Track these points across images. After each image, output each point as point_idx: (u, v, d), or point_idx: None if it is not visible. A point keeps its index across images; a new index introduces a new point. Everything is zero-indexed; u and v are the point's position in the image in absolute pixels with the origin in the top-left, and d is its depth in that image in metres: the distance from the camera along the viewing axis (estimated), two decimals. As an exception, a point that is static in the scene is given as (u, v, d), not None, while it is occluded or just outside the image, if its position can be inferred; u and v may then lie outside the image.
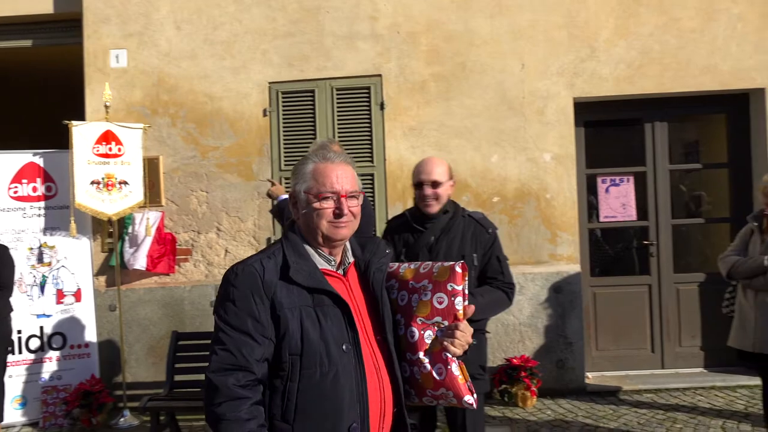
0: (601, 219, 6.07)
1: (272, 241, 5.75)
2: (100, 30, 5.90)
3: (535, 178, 5.72)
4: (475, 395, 1.86)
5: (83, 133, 5.37)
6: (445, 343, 1.82)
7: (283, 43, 5.82)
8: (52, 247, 5.58)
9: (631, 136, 6.18)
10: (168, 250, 5.77)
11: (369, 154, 5.74)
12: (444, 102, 5.74)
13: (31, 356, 5.47)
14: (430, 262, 1.94)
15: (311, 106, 5.82)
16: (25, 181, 5.60)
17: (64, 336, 5.56)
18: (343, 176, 1.86)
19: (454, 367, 1.82)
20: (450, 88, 5.74)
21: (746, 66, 5.68)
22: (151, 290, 5.82)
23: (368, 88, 5.78)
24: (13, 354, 5.33)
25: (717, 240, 5.92)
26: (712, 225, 6.31)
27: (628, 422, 4.94)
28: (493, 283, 3.21)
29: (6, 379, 4.77)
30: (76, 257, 5.64)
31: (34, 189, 5.63)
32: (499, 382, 5.43)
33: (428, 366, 1.85)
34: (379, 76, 5.77)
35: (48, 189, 5.66)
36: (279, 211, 3.99)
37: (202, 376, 5.79)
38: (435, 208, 3.27)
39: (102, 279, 5.85)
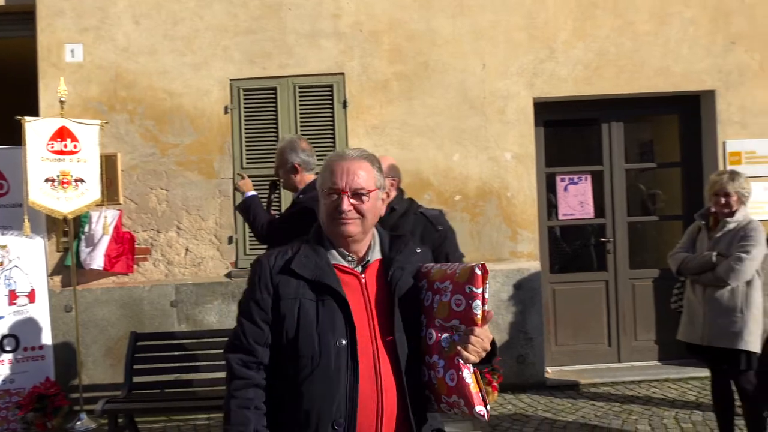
0: (560, 217, 6.19)
1: (234, 240, 5.73)
2: (54, 23, 5.75)
3: (496, 177, 5.80)
4: (488, 406, 1.76)
5: (37, 130, 5.21)
6: (459, 348, 1.73)
7: (244, 39, 5.76)
8: (4, 247, 5.40)
9: (588, 135, 6.33)
10: (126, 249, 5.65)
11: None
12: (406, 101, 5.78)
13: (-18, 359, 5.30)
14: (456, 263, 1.86)
15: (273, 104, 5.78)
16: (-25, 178, 5.42)
17: (17, 338, 5.38)
18: (349, 173, 1.85)
19: (466, 374, 1.73)
20: (412, 87, 5.78)
21: (697, 69, 5.88)
22: (109, 290, 5.70)
23: (331, 86, 5.78)
24: (-37, 357, 5.15)
25: (670, 237, 6.09)
26: (665, 222, 6.50)
27: (585, 415, 5.06)
28: None
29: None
30: (30, 257, 5.47)
31: (-15, 187, 5.45)
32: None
33: (442, 371, 1.76)
34: (342, 74, 5.77)
35: (0, 187, 5.49)
36: (245, 209, 3.91)
37: (161, 378, 5.75)
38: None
39: (57, 279, 5.70)
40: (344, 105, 5.77)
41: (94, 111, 5.71)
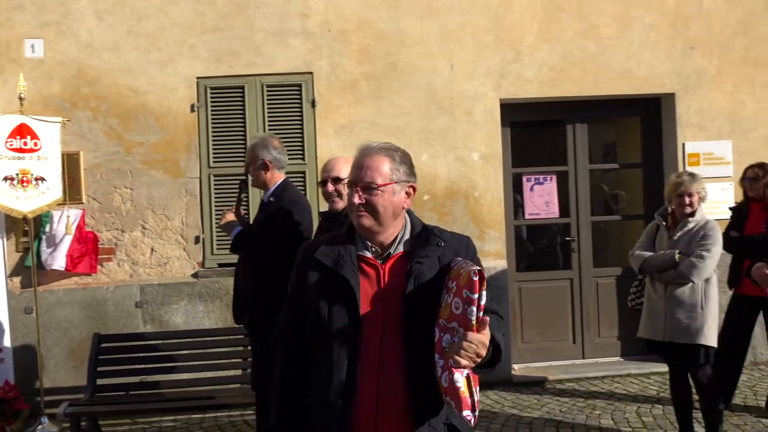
0: (526, 216, 6.29)
1: (201, 240, 5.67)
2: (13, 18, 5.59)
3: (464, 177, 5.86)
4: (476, 412, 1.76)
5: (-4, 127, 5.07)
6: (452, 351, 1.73)
7: (211, 37, 5.70)
8: (-40, 247, 5.24)
9: (554, 136, 6.44)
10: (89, 249, 5.54)
11: (300, 152, 5.72)
12: (375, 101, 5.80)
13: (-62, 363, 5.13)
14: (470, 262, 1.85)
15: (241, 103, 5.73)
16: (-71, 176, 5.24)
17: (-26, 341, 5.24)
18: (362, 167, 1.91)
19: (458, 377, 1.73)
20: (381, 87, 5.80)
21: (658, 72, 6.04)
22: (71, 291, 5.58)
23: (299, 85, 5.76)
24: None
25: (632, 236, 6.22)
26: (628, 222, 6.65)
27: (551, 410, 5.15)
28: None
29: None
30: (-12, 257, 5.32)
31: (-59, 185, 5.27)
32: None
33: (440, 370, 1.78)
34: (311, 73, 5.76)
35: (-44, 185, 5.32)
36: (241, 248, 3.83)
37: (126, 380, 5.67)
38: (339, 204, 3.35)
39: (16, 280, 5.55)
40: (313, 104, 5.76)
41: (55, 108, 5.58)
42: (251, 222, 4.10)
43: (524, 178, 6.25)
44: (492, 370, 1.82)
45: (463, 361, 1.70)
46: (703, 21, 6.06)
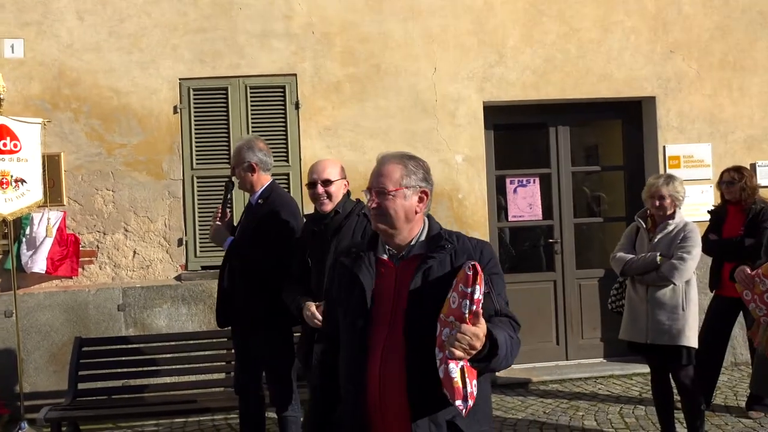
0: (510, 218, 6.32)
1: (184, 242, 5.63)
2: (-7, 18, 5.53)
3: (448, 179, 5.88)
4: (469, 403, 1.82)
5: (-26, 128, 5.00)
6: (448, 343, 1.81)
7: (194, 38, 5.68)
8: (-62, 250, 5.16)
9: (536, 139, 6.49)
10: (71, 252, 5.48)
11: (284, 154, 5.70)
12: (359, 103, 5.80)
13: None
14: (471, 261, 1.91)
15: (224, 104, 5.71)
16: None
17: (-48, 345, 5.16)
18: (376, 174, 2.10)
19: (452, 368, 1.80)
20: (365, 90, 5.81)
21: (638, 75, 6.11)
22: (52, 294, 5.51)
23: (283, 87, 5.75)
24: None
25: (614, 238, 6.27)
26: (609, 224, 6.72)
27: (534, 412, 5.17)
28: None
29: None
30: (-34, 261, 5.25)
31: None
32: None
33: (438, 362, 1.86)
34: (294, 75, 5.75)
35: (-67, 187, 5.24)
36: (237, 256, 3.81)
37: (108, 384, 5.61)
38: (328, 206, 3.39)
39: (-5, 284, 5.48)
40: (296, 106, 5.75)
41: (35, 109, 5.52)
42: (237, 224, 4.08)
43: (507, 181, 6.28)
44: (489, 365, 1.87)
45: (458, 352, 1.79)
46: (683, 25, 6.15)
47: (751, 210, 4.77)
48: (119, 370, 5.05)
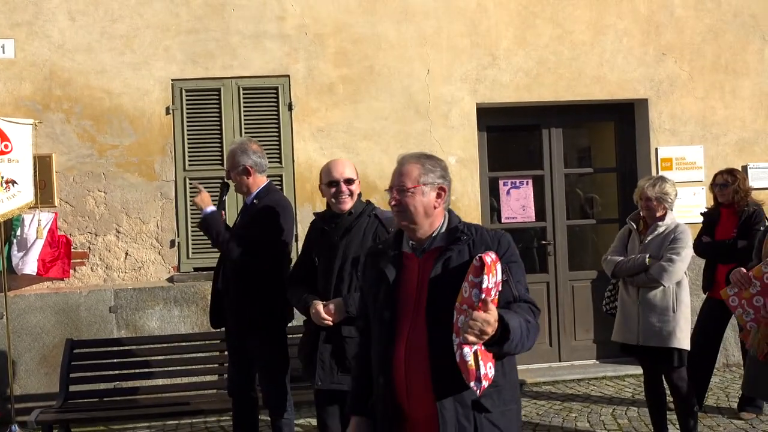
0: (503, 220, 6.33)
1: (176, 243, 5.61)
2: (-17, 18, 5.50)
3: (441, 181, 5.87)
4: (483, 384, 1.97)
5: (-35, 128, 4.97)
6: (462, 329, 1.97)
7: (186, 39, 5.66)
8: (-73, 252, 5.12)
9: (529, 141, 6.50)
10: (62, 254, 5.45)
11: (277, 155, 5.69)
12: (352, 104, 5.80)
13: None
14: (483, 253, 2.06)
15: (217, 106, 5.69)
16: None
17: (-59, 348, 5.12)
18: (397, 173, 2.26)
19: (466, 351, 1.96)
20: (358, 91, 5.80)
21: (631, 78, 6.13)
22: (43, 296, 5.48)
23: (276, 88, 5.74)
24: None
25: (607, 240, 6.31)
26: (602, 225, 6.74)
27: (528, 414, 5.18)
28: None
29: None
30: (-44, 262, 5.20)
31: None
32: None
33: (455, 347, 2.01)
34: (287, 76, 5.74)
35: (-77, 188, 5.20)
36: (205, 226, 3.80)
37: (99, 386, 5.57)
38: (349, 204, 3.35)
39: (-14, 285, 5.44)
40: (290, 107, 5.74)
41: (27, 110, 5.49)
42: (232, 225, 4.07)
43: (501, 182, 6.29)
44: (502, 349, 2.01)
45: (470, 337, 1.94)
46: (675, 28, 6.17)
47: (743, 212, 4.79)
48: (111, 372, 5.03)
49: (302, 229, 5.63)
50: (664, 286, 4.00)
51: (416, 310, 2.15)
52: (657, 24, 6.15)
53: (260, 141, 5.60)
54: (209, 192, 4.02)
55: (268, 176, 4.01)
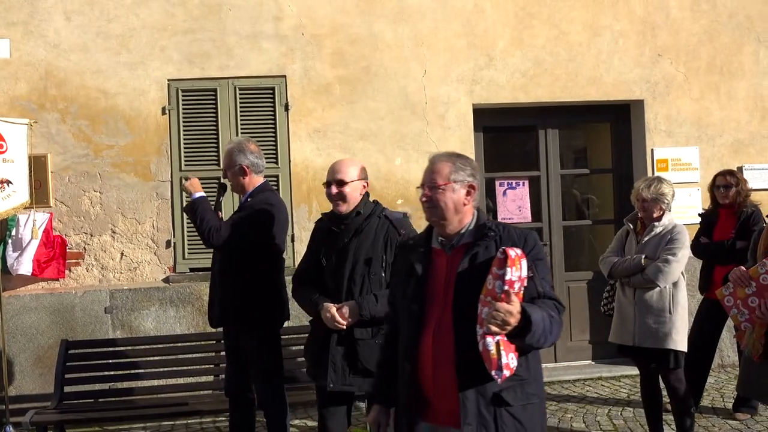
0: (499, 221, 6.32)
1: (172, 244, 5.60)
2: (-22, 17, 5.48)
3: (437, 181, 5.87)
4: (504, 372, 2.06)
5: (-41, 128, 4.95)
6: (485, 319, 2.06)
7: (183, 39, 5.65)
8: None
9: (526, 141, 6.51)
10: (57, 254, 5.43)
11: (274, 156, 5.69)
12: (349, 105, 5.79)
13: None
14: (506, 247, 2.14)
15: (213, 106, 5.68)
16: None
17: (-65, 348, 5.09)
18: (427, 171, 2.35)
19: (489, 341, 2.06)
20: (354, 91, 5.80)
21: (627, 79, 6.14)
22: (38, 296, 5.46)
23: (272, 88, 5.73)
24: None
25: (603, 240, 6.33)
26: (598, 226, 6.75)
27: (524, 414, 5.17)
28: None
29: None
30: (-49, 262, 5.19)
31: None
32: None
33: (479, 337, 2.10)
34: (284, 77, 5.74)
35: None
36: (192, 210, 3.79)
37: (95, 387, 5.57)
38: (342, 207, 3.29)
39: (-20, 286, 5.42)
40: (286, 108, 5.74)
41: (22, 109, 5.47)
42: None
43: (497, 183, 6.30)
44: (524, 341, 2.09)
45: (493, 328, 2.04)
46: (670, 29, 6.19)
47: (742, 213, 4.79)
48: (106, 373, 5.02)
49: (298, 229, 5.64)
50: (660, 286, 4.00)
51: (443, 304, 2.24)
52: (653, 25, 6.17)
53: (257, 141, 5.58)
54: (206, 193, 4.01)
55: (264, 177, 4.00)
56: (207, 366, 5.08)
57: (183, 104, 5.66)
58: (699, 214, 5.15)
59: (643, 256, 4.03)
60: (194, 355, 5.07)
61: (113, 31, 5.59)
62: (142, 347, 5.09)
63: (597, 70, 6.09)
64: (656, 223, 4.09)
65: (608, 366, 6.11)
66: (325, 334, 3.26)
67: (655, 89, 6.17)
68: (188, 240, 5.59)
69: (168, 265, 5.62)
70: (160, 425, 5.20)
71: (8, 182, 5.11)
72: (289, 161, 5.72)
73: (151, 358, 5.04)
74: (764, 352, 3.22)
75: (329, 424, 3.31)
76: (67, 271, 5.52)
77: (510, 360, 2.08)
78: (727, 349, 6.03)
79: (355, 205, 3.30)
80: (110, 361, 5.03)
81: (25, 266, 5.32)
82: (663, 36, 6.18)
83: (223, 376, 4.30)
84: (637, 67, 6.14)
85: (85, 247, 5.57)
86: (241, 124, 5.67)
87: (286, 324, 3.98)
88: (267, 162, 5.55)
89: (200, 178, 5.47)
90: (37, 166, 5.41)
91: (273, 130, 5.72)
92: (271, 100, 5.73)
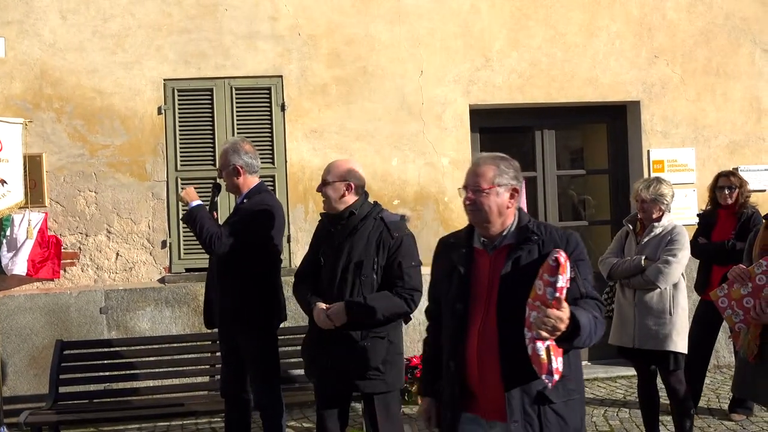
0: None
1: (168, 244, 5.58)
2: (-27, 16, 5.45)
3: (434, 182, 5.88)
4: (555, 377, 2.10)
5: (-46, 127, 4.92)
6: (535, 325, 2.09)
7: (179, 39, 5.63)
8: None
9: (522, 142, 6.51)
10: (52, 254, 5.41)
11: (270, 156, 5.67)
12: (345, 105, 5.79)
13: None
14: (556, 251, 2.15)
15: (209, 106, 5.67)
16: None
17: (-71, 349, 5.07)
18: (471, 173, 2.37)
19: (539, 346, 2.09)
20: (351, 92, 5.80)
21: (623, 80, 6.15)
22: (33, 297, 5.44)
23: (269, 88, 5.72)
24: None
25: (600, 241, 6.34)
26: (595, 227, 6.75)
27: (520, 415, 5.17)
28: (393, 288, 3.23)
29: None
30: (-55, 262, 5.16)
31: None
32: (399, 381, 5.52)
33: (527, 341, 2.12)
34: (280, 77, 5.73)
35: None
36: (190, 219, 3.77)
37: (89, 387, 5.55)
38: (324, 206, 3.35)
39: (-25, 286, 5.40)
40: (282, 108, 5.72)
41: (16, 109, 5.45)
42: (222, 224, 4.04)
43: (494, 184, 6.28)
44: (572, 344, 2.13)
45: (544, 333, 2.06)
46: (667, 31, 6.20)
47: (742, 214, 4.78)
48: (101, 374, 5.00)
49: (294, 230, 5.63)
50: (660, 288, 3.98)
51: (488, 305, 2.28)
52: (649, 26, 6.17)
53: (253, 141, 5.56)
54: (201, 193, 4.00)
55: (261, 177, 3.99)
56: (203, 366, 5.06)
57: (179, 104, 5.64)
58: (697, 215, 5.15)
59: (643, 257, 4.01)
60: (190, 356, 5.05)
61: (109, 30, 5.57)
62: (138, 348, 5.08)
63: (593, 71, 6.10)
64: (656, 224, 4.08)
65: (604, 367, 6.12)
66: (319, 334, 3.28)
67: (651, 90, 6.17)
68: (184, 240, 5.58)
69: (163, 265, 5.61)
70: (156, 426, 5.18)
71: (3, 182, 5.08)
72: (286, 161, 5.71)
73: (147, 359, 5.03)
74: (759, 353, 3.22)
75: (327, 425, 3.31)
76: (62, 271, 5.50)
77: (559, 364, 2.12)
78: (722, 349, 6.04)
79: (340, 204, 3.30)
80: (105, 361, 5.01)
81: (19, 266, 5.29)
82: (659, 37, 6.19)
83: (219, 376, 4.29)
84: (634, 68, 6.15)
85: (80, 247, 5.55)
86: (238, 125, 5.66)
87: (282, 324, 3.98)
88: (263, 162, 5.54)
89: (196, 179, 5.54)
90: (32, 165, 5.37)
91: (269, 131, 5.71)
92: (268, 100, 5.72)
